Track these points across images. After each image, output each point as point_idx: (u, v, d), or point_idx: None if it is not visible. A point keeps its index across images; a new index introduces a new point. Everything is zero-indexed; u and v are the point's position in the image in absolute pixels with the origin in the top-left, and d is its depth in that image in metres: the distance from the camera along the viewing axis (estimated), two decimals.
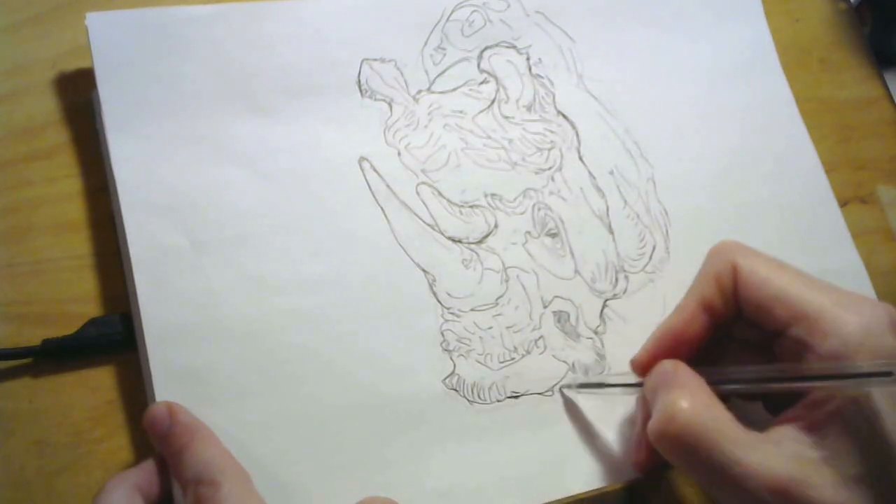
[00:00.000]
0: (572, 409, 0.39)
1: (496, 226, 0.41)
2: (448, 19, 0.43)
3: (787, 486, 0.30)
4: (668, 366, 0.34)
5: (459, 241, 0.40)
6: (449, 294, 0.39)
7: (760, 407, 0.36)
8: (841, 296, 0.33)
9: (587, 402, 0.39)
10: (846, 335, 0.31)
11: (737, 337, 0.36)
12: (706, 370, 0.34)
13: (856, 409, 0.30)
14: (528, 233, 0.41)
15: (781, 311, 0.33)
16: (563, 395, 0.39)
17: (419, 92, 0.42)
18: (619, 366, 0.40)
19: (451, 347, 0.38)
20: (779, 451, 0.31)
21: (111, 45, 0.37)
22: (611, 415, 0.39)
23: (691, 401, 0.32)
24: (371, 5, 0.42)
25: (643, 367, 0.36)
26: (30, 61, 0.39)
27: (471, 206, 0.41)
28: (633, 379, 0.37)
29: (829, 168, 0.48)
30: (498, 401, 0.38)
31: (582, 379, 0.39)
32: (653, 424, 0.32)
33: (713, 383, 0.33)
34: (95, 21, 0.37)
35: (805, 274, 0.34)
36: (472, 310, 0.39)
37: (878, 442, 0.30)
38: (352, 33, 0.42)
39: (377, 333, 0.37)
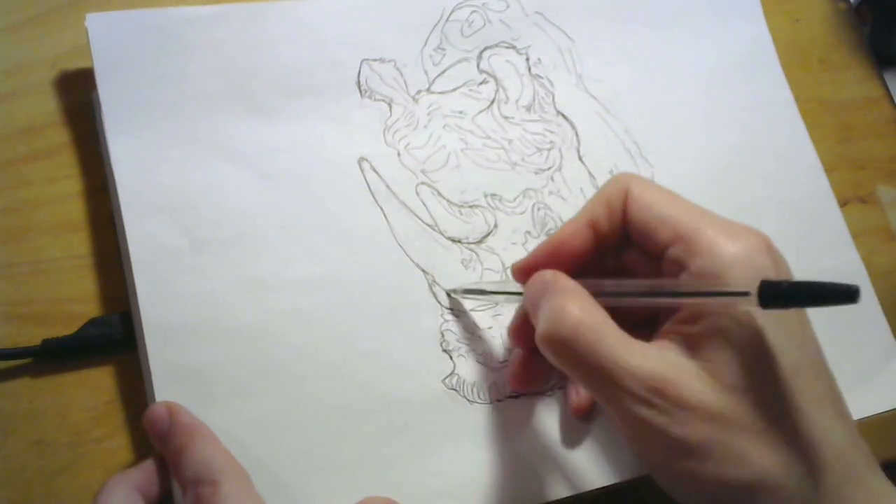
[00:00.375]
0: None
1: (496, 226, 0.41)
2: (447, 20, 0.43)
3: (663, 380, 0.31)
4: (548, 275, 0.34)
5: (459, 242, 0.40)
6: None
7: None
8: (722, 223, 0.33)
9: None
10: (720, 256, 0.32)
11: (627, 269, 0.37)
12: (583, 281, 0.34)
13: (737, 326, 0.31)
14: (528, 233, 0.41)
15: (663, 232, 0.34)
16: (449, 297, 0.39)
17: (419, 92, 0.42)
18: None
19: (450, 347, 0.38)
20: (660, 356, 0.32)
21: (111, 45, 0.37)
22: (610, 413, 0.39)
23: (579, 304, 0.32)
24: (370, 6, 0.42)
25: (522, 272, 0.36)
26: (30, 61, 0.39)
27: (470, 207, 0.41)
28: (515, 288, 0.37)
29: (829, 168, 0.48)
30: (498, 400, 0.38)
31: (467, 286, 0.39)
32: (541, 328, 0.33)
33: (591, 293, 0.34)
34: (95, 22, 0.37)
35: (694, 204, 0.35)
36: (471, 310, 0.39)
37: (759, 357, 0.31)
38: (351, 34, 0.42)
39: (377, 333, 0.37)
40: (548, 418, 0.38)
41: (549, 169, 0.43)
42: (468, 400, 0.38)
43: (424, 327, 0.38)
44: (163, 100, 0.38)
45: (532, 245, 0.41)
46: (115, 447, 0.35)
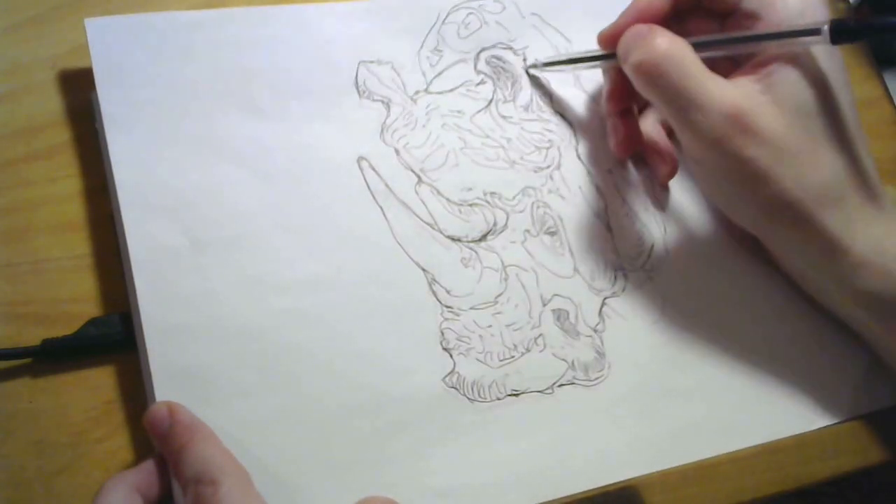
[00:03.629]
0: (571, 404, 0.39)
1: (495, 224, 0.41)
2: (444, 22, 0.44)
3: (740, 110, 0.36)
4: (643, 27, 0.39)
5: (458, 240, 0.40)
6: (448, 293, 0.39)
7: None
8: None
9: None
10: (790, 6, 0.38)
11: (690, 34, 0.40)
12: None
13: (802, 67, 0.37)
14: (528, 231, 0.41)
15: None
16: (528, 74, 0.42)
17: (417, 93, 0.42)
18: (620, 364, 0.40)
19: (450, 346, 0.38)
20: (735, 87, 0.37)
21: (110, 49, 0.38)
22: (610, 413, 0.39)
23: (669, 38, 0.38)
24: (367, 9, 0.42)
25: (611, 38, 0.40)
26: (30, 61, 0.39)
27: (470, 205, 0.41)
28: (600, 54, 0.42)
29: None
30: (498, 399, 0.38)
31: (548, 57, 0.43)
32: (633, 57, 0.38)
33: None
34: (94, 26, 0.37)
35: None
36: (471, 308, 0.39)
37: (819, 91, 0.37)
38: (348, 36, 0.42)
39: (377, 332, 0.37)
40: (548, 417, 0.38)
41: (547, 167, 0.43)
42: (468, 399, 0.38)
43: (424, 326, 0.38)
44: (162, 100, 0.38)
45: (531, 243, 0.41)
46: (115, 447, 0.35)
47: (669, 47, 0.37)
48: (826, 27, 0.35)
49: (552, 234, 0.42)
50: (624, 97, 0.42)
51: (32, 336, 0.35)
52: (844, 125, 0.38)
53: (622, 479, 0.38)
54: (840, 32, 0.35)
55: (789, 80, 0.37)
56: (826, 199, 0.37)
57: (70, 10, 0.40)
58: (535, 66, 0.44)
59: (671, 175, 0.43)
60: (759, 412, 0.41)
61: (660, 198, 0.44)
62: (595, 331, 0.40)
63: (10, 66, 0.39)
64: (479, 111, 0.43)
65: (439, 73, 0.43)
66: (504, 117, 0.43)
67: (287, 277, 0.37)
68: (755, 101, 0.37)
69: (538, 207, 0.42)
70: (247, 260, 0.37)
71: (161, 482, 0.33)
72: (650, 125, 0.44)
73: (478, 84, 0.43)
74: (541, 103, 0.44)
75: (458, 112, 0.42)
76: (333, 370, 0.36)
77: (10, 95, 0.39)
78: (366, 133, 0.41)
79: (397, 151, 0.41)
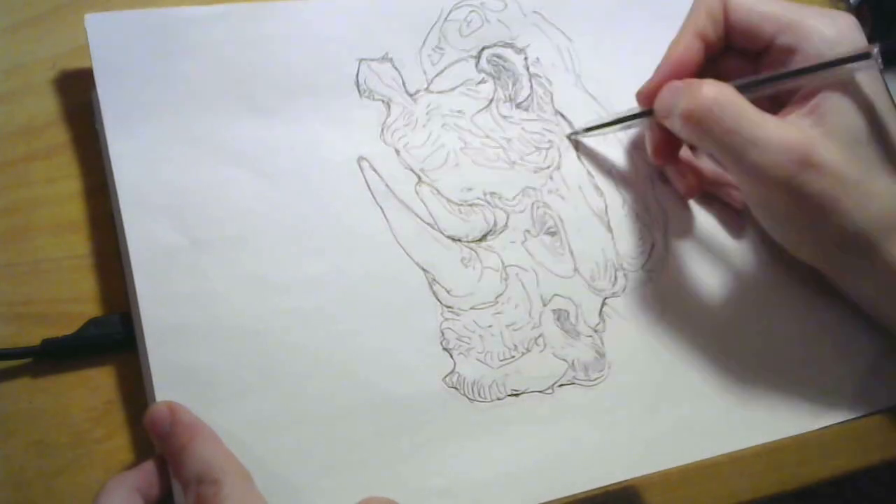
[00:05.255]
0: (571, 404, 0.39)
1: (495, 224, 0.41)
2: (446, 19, 0.44)
3: (801, 146, 0.36)
4: (678, 81, 0.39)
5: (459, 240, 0.40)
6: (449, 292, 0.39)
7: None
8: (815, 10, 0.39)
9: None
10: (826, 36, 0.38)
11: (724, 76, 0.40)
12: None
13: (843, 94, 0.37)
14: (528, 231, 0.41)
15: (769, 26, 0.39)
16: (570, 140, 0.42)
17: (417, 92, 0.42)
18: (620, 364, 0.40)
19: (450, 346, 0.38)
20: (789, 126, 0.37)
21: (110, 46, 0.38)
22: (611, 413, 0.39)
23: (716, 84, 0.38)
24: (369, 6, 0.42)
25: (649, 95, 0.41)
26: (30, 61, 0.39)
27: (470, 205, 0.41)
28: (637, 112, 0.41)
29: None
30: (498, 399, 0.38)
31: (589, 123, 0.43)
32: (681, 107, 0.38)
33: None
34: (94, 22, 0.37)
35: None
36: (471, 308, 0.39)
37: (866, 114, 0.37)
38: (349, 34, 0.42)
39: (377, 332, 0.37)
40: (548, 417, 0.38)
41: (547, 168, 0.43)
42: (469, 399, 0.38)
43: (424, 326, 0.38)
44: (162, 99, 0.38)
45: (531, 244, 0.41)
46: (115, 447, 0.35)
47: (719, 93, 0.37)
48: (877, 51, 0.35)
49: (552, 234, 0.42)
50: (671, 149, 0.42)
51: (32, 336, 0.35)
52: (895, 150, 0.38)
53: (622, 479, 0.38)
54: (892, 55, 0.35)
55: (839, 110, 0.37)
56: (890, 225, 0.37)
57: (70, 10, 0.40)
58: (576, 133, 0.43)
59: (696, 191, 0.43)
60: (759, 412, 0.41)
61: (660, 198, 0.44)
62: (595, 331, 0.40)
63: (10, 66, 0.39)
64: (480, 111, 0.43)
65: (440, 72, 0.43)
66: (504, 117, 0.43)
67: (287, 277, 0.37)
68: (811, 135, 0.37)
69: (538, 207, 0.42)
70: (247, 259, 0.37)
71: (161, 483, 0.33)
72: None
73: (478, 83, 0.43)
74: (541, 103, 0.44)
75: (459, 112, 0.42)
76: (333, 370, 0.36)
77: (10, 95, 0.39)
78: (366, 132, 0.41)
79: (397, 151, 0.41)
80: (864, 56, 0.35)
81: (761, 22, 0.39)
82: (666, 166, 0.43)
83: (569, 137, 0.43)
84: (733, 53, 0.41)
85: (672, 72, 0.40)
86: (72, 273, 0.37)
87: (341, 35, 0.41)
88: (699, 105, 0.37)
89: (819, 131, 0.37)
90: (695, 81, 0.38)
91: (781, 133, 0.36)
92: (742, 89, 0.38)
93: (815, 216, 0.37)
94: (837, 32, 0.38)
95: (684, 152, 0.43)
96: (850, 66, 0.36)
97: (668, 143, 0.41)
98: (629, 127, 0.43)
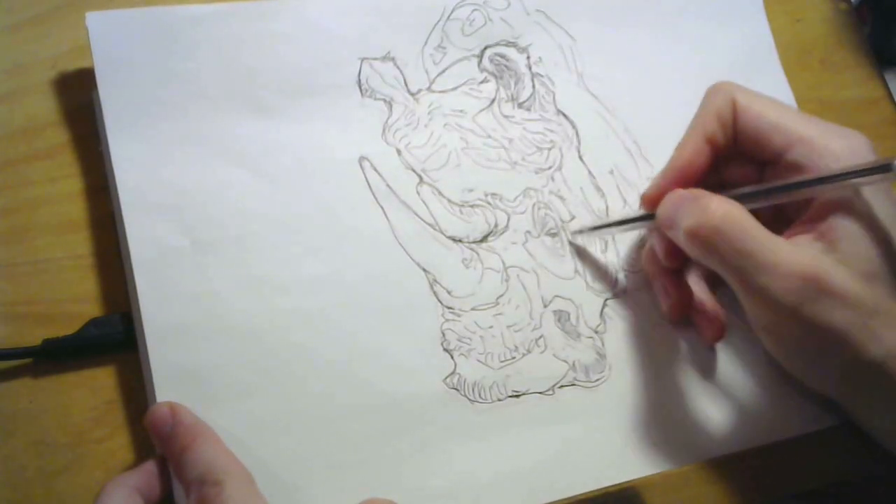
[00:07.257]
0: (573, 404, 0.39)
1: (496, 225, 0.41)
2: (448, 18, 0.43)
3: (814, 272, 0.34)
4: (683, 191, 0.37)
5: (460, 241, 0.40)
6: (449, 293, 0.39)
7: None
8: (827, 125, 0.37)
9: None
10: (837, 153, 0.36)
11: (728, 183, 0.39)
12: (719, 191, 0.36)
13: (856, 219, 0.35)
14: (528, 232, 0.41)
15: (779, 139, 0.37)
16: (571, 243, 0.41)
17: (419, 91, 0.42)
18: (621, 366, 0.40)
19: (451, 347, 0.38)
20: (801, 250, 0.35)
21: (111, 44, 0.37)
22: (611, 414, 0.39)
23: (722, 200, 0.35)
24: (371, 5, 0.42)
25: (654, 200, 0.39)
26: (30, 61, 0.39)
27: (471, 206, 0.41)
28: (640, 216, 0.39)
29: None
30: (499, 400, 0.38)
31: (591, 224, 0.41)
32: (687, 224, 0.36)
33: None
34: (95, 20, 0.37)
35: (795, 109, 0.38)
36: (472, 309, 0.39)
37: (880, 238, 0.35)
38: (352, 32, 0.42)
39: (378, 333, 0.37)
40: (549, 418, 0.38)
41: (549, 168, 0.43)
42: (469, 400, 0.38)
43: (425, 327, 0.38)
44: (163, 99, 0.38)
45: (532, 245, 0.41)
46: (115, 447, 0.35)
47: (728, 212, 0.35)
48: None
49: (553, 235, 0.42)
50: (672, 259, 0.39)
51: (33, 336, 0.35)
52: None
53: (623, 480, 0.38)
54: None
55: (853, 236, 0.35)
56: None
57: (70, 10, 0.40)
58: (580, 231, 0.42)
59: (719, 339, 0.41)
60: (760, 412, 0.41)
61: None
62: (596, 332, 0.40)
63: (11, 66, 0.39)
64: (482, 111, 0.43)
65: (442, 71, 0.43)
66: (506, 117, 0.43)
67: (288, 277, 0.37)
68: (824, 261, 0.35)
69: (539, 208, 0.42)
70: (247, 260, 0.37)
71: (162, 483, 0.33)
72: (694, 282, 0.41)
73: (481, 82, 0.43)
74: (543, 103, 0.44)
75: (461, 111, 0.42)
76: (334, 371, 0.36)
77: (10, 95, 0.38)
78: (367, 132, 0.40)
79: (399, 151, 0.41)
80: (884, 168, 0.33)
81: (770, 132, 0.37)
82: (656, 278, 0.41)
83: (570, 237, 0.41)
84: (740, 160, 0.39)
85: (679, 177, 0.38)
86: (72, 273, 0.37)
87: (343, 34, 0.41)
88: (706, 222, 0.35)
89: (832, 258, 0.35)
90: (703, 195, 0.36)
91: (793, 258, 0.34)
92: (749, 198, 0.36)
93: (826, 346, 0.35)
94: (851, 153, 0.36)
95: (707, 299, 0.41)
96: (862, 178, 0.34)
97: (671, 253, 0.39)
98: (634, 228, 0.41)
